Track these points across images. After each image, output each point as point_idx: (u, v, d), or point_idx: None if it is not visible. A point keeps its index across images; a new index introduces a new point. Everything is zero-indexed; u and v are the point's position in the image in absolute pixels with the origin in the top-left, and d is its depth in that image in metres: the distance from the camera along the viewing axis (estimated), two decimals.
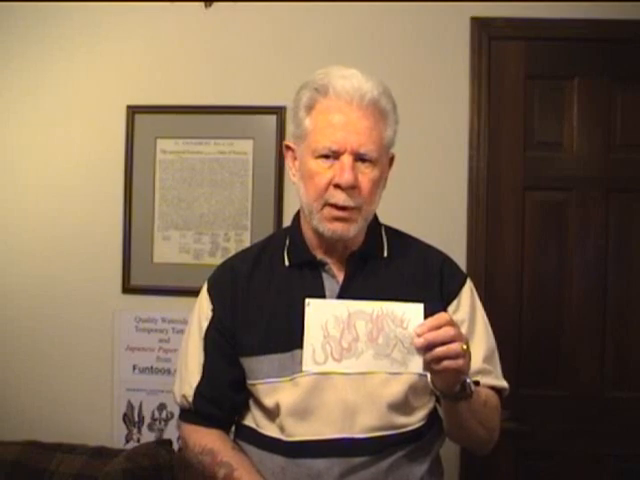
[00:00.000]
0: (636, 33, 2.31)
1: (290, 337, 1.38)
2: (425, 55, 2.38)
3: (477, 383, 1.33)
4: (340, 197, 1.36)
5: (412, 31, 2.38)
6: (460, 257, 2.12)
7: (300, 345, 1.28)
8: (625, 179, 2.35)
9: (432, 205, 2.36)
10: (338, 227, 1.38)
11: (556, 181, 2.36)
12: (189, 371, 1.49)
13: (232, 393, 1.48)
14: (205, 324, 1.49)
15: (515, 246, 2.36)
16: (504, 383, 1.50)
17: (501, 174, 2.36)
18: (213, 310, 1.49)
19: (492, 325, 1.53)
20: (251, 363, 1.44)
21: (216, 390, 1.47)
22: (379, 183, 1.41)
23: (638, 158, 2.34)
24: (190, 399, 1.48)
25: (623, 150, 2.35)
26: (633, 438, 2.29)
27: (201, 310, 1.51)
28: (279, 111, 2.39)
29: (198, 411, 1.48)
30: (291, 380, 1.40)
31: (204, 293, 1.53)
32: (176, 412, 2.34)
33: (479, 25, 2.34)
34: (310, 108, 1.40)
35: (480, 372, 1.43)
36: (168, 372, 2.40)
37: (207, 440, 1.46)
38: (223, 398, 1.48)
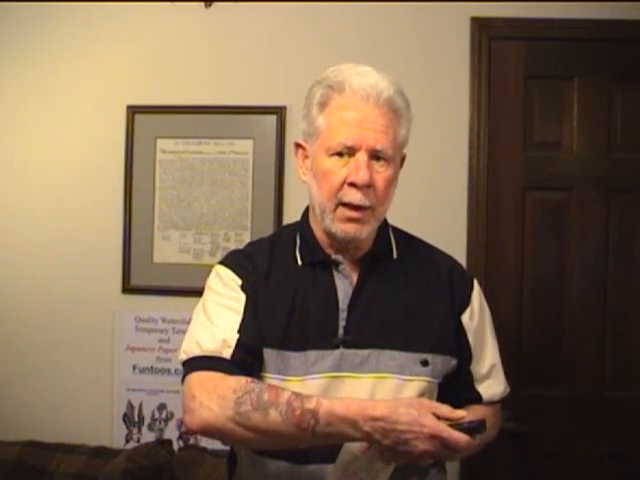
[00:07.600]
0: (636, 33, 2.31)
1: (304, 337, 1.35)
2: (425, 55, 2.38)
3: (481, 425, 1.23)
4: (355, 196, 1.33)
5: (412, 31, 2.39)
6: (460, 257, 2.10)
7: (313, 346, 1.25)
8: (625, 179, 2.35)
9: (432, 205, 2.36)
10: (351, 229, 1.35)
11: (556, 181, 2.36)
12: (220, 327, 1.35)
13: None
14: (235, 292, 1.38)
15: (515, 246, 2.36)
16: (507, 389, 1.50)
17: (501, 174, 2.36)
18: (242, 285, 1.39)
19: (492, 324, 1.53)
20: (265, 354, 1.36)
21: (254, 341, 1.35)
22: (393, 183, 1.38)
23: (638, 158, 2.34)
24: (233, 342, 1.33)
25: (623, 150, 2.35)
26: (633, 438, 2.29)
27: (225, 282, 1.40)
28: (279, 111, 2.39)
29: (238, 359, 1.32)
30: (302, 381, 1.35)
31: (224, 271, 1.42)
32: (176, 412, 2.37)
33: (479, 25, 2.34)
34: (324, 105, 1.36)
35: (487, 377, 1.45)
36: (168, 372, 2.40)
37: (248, 378, 1.29)
38: (258, 352, 1.36)
